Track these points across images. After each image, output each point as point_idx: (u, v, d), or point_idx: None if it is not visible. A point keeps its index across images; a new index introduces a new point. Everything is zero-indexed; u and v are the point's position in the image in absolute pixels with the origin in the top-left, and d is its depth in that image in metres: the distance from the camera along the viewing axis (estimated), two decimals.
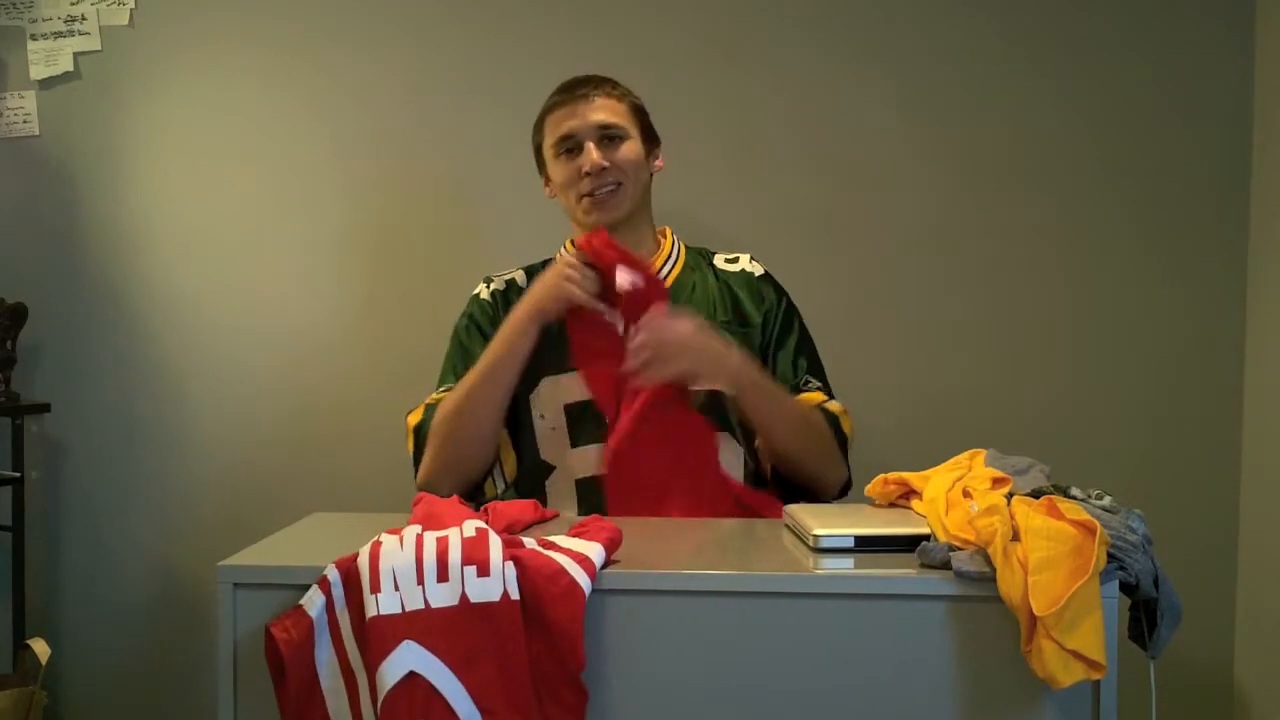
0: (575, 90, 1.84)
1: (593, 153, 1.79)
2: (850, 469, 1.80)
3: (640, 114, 1.88)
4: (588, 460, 1.73)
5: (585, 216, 1.81)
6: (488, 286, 1.90)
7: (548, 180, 1.90)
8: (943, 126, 2.40)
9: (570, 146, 1.81)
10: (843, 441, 1.78)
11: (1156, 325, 2.38)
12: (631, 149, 1.82)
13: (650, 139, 1.89)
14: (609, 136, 1.81)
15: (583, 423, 1.74)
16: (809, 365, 1.84)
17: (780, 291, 1.89)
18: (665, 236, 1.92)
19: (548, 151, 1.86)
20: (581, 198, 1.80)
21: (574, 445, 1.75)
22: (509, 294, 1.86)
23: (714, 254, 1.93)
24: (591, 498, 1.71)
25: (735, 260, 1.91)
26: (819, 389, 1.81)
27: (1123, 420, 2.38)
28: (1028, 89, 2.39)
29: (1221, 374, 2.37)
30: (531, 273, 1.88)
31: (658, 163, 1.90)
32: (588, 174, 1.78)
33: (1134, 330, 2.38)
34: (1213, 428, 2.37)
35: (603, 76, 1.87)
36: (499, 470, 1.82)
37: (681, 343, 1.65)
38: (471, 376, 1.73)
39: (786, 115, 2.42)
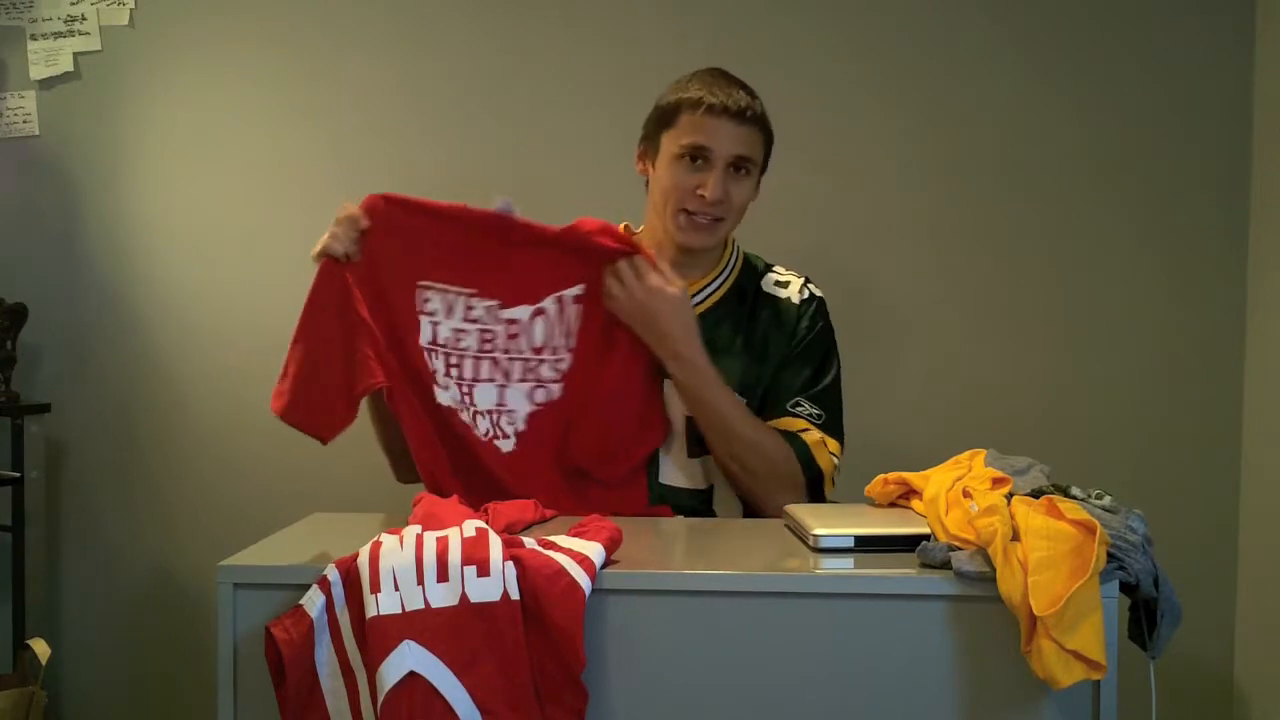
0: (732, 105, 1.69)
1: (720, 184, 1.70)
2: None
3: (769, 148, 1.78)
4: None
5: (677, 232, 1.74)
6: None
7: (644, 155, 1.80)
8: (942, 126, 2.40)
9: (701, 161, 1.71)
10: (817, 476, 1.69)
11: (1157, 325, 2.38)
12: (750, 188, 1.75)
13: (765, 169, 1.79)
14: (739, 169, 1.72)
15: None
16: (811, 393, 1.75)
17: (817, 319, 1.80)
18: (726, 250, 1.83)
19: (671, 142, 1.73)
20: (680, 212, 1.73)
21: None
22: None
23: (770, 269, 1.85)
24: None
25: (785, 285, 1.82)
26: (811, 419, 1.73)
27: (1123, 420, 2.38)
28: (1028, 89, 2.39)
29: (1221, 374, 2.37)
30: None
31: (757, 193, 1.80)
32: (702, 196, 1.70)
33: (1134, 330, 2.39)
34: (1213, 428, 2.37)
35: (753, 92, 1.75)
36: None
37: (657, 295, 1.63)
38: None
39: (787, 115, 2.40)
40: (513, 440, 1.64)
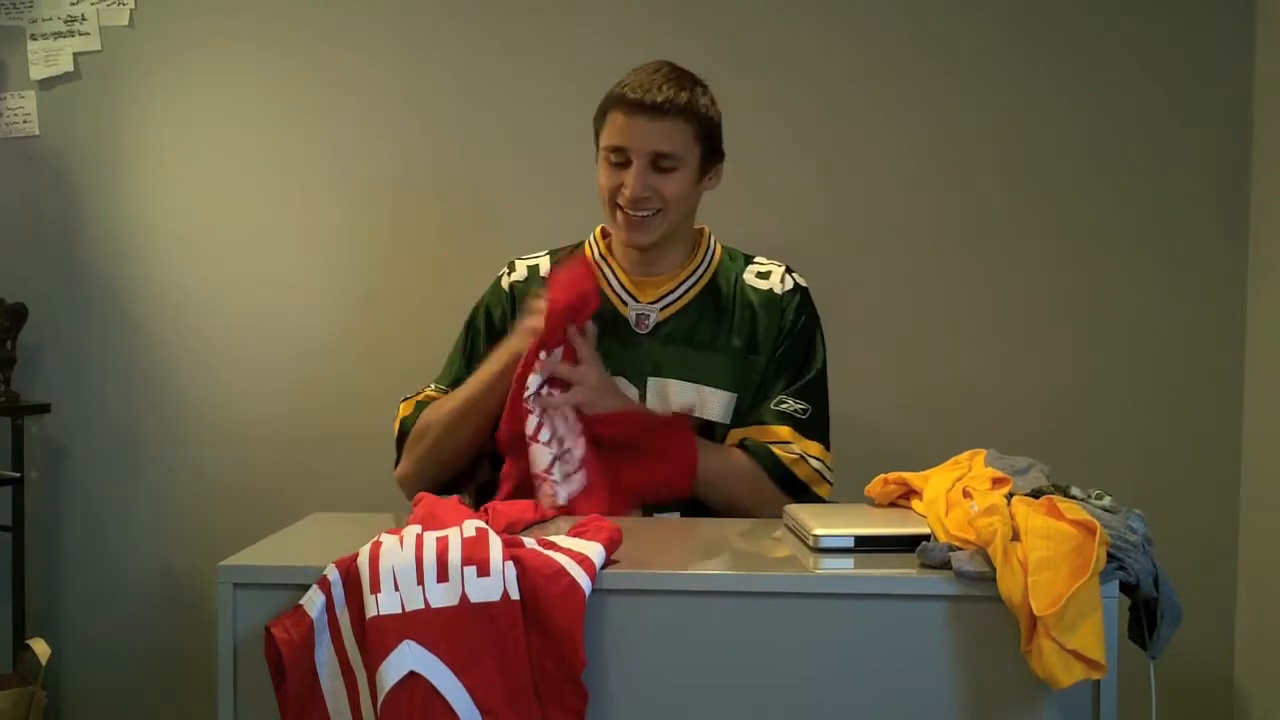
0: (647, 100, 1.68)
1: (639, 182, 1.69)
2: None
3: (708, 136, 1.74)
4: None
5: (617, 231, 1.76)
6: (509, 274, 1.85)
7: (596, 155, 1.79)
8: (943, 126, 2.41)
9: (620, 160, 1.71)
10: (794, 487, 1.69)
11: (1157, 325, 2.38)
12: (680, 180, 1.71)
13: (712, 157, 1.77)
14: (662, 168, 1.70)
15: None
16: (798, 386, 1.74)
17: (803, 309, 1.79)
18: (700, 244, 1.83)
19: (601, 144, 1.74)
20: (616, 210, 1.73)
21: None
22: (529, 283, 1.81)
23: (750, 262, 1.83)
24: None
25: (766, 275, 1.81)
26: (796, 414, 1.72)
27: (1123, 420, 2.39)
28: (1029, 89, 2.39)
29: (1221, 374, 2.37)
30: (556, 258, 1.84)
31: (713, 180, 1.80)
32: (624, 194, 1.70)
33: (1134, 330, 2.39)
34: (1213, 427, 2.37)
35: (686, 80, 1.73)
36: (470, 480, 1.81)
37: (597, 387, 1.64)
38: (454, 403, 1.72)
39: (788, 114, 2.42)
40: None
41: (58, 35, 2.55)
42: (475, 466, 1.79)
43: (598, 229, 1.87)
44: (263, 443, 2.52)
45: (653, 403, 1.72)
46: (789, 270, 1.83)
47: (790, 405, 1.73)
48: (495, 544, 1.19)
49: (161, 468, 2.55)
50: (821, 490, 1.71)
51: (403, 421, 1.78)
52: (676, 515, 1.69)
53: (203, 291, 2.54)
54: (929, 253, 2.42)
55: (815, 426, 1.74)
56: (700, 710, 1.19)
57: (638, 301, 1.77)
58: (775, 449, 1.69)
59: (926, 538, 1.25)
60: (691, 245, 1.83)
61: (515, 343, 1.66)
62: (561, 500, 1.57)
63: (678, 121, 1.69)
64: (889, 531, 1.31)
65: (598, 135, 1.76)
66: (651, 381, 1.73)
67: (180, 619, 2.53)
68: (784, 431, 1.71)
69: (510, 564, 1.17)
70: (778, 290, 1.80)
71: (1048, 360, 2.40)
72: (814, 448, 1.72)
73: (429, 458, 1.74)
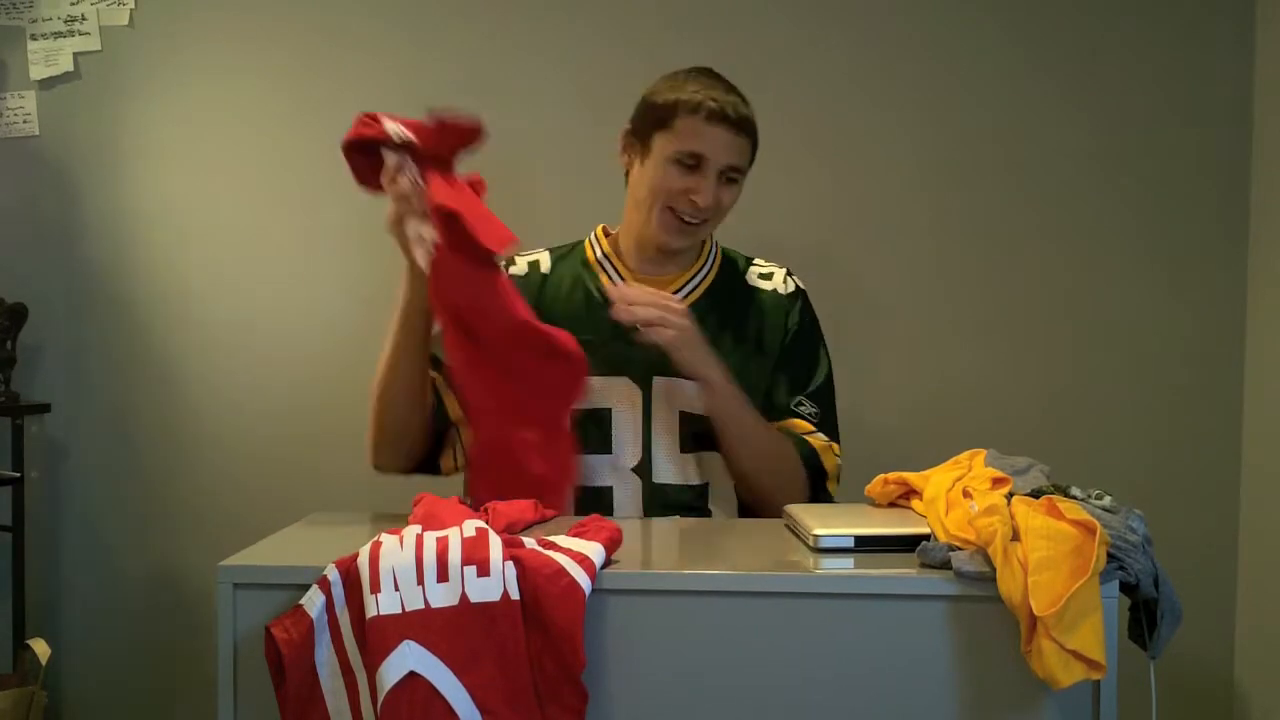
0: (731, 113, 1.69)
1: (710, 192, 1.70)
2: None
3: (755, 151, 1.78)
4: (590, 469, 1.70)
5: (660, 231, 1.74)
6: (508, 268, 1.81)
7: (630, 148, 1.78)
8: (943, 126, 2.41)
9: (692, 164, 1.70)
10: (820, 476, 1.72)
11: (1157, 325, 2.38)
12: (737, 192, 1.76)
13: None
14: (729, 179, 1.73)
15: (585, 430, 1.67)
16: (809, 391, 1.78)
17: (805, 313, 1.82)
18: (705, 245, 1.84)
19: (665, 144, 1.71)
20: (666, 211, 1.72)
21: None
22: (528, 279, 1.80)
23: (751, 263, 1.86)
24: (590, 508, 1.60)
25: (769, 276, 1.84)
26: (810, 418, 1.75)
27: (1123, 420, 2.38)
28: (1029, 89, 2.39)
29: (1222, 374, 2.37)
30: (556, 255, 1.84)
31: None
32: (693, 201, 1.70)
33: (1134, 330, 2.39)
34: (1213, 427, 2.37)
35: (744, 97, 1.75)
36: (459, 446, 1.75)
37: (686, 325, 1.64)
38: (384, 354, 1.66)
39: (788, 114, 2.41)
40: None
41: (58, 35, 2.55)
42: (430, 448, 1.74)
43: (599, 228, 1.87)
44: (263, 442, 2.52)
45: (659, 402, 1.72)
46: (790, 273, 1.86)
47: (806, 408, 1.77)
48: (495, 544, 1.19)
49: (161, 467, 2.55)
50: (832, 487, 1.74)
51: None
52: (677, 516, 1.70)
53: (203, 291, 2.54)
54: (929, 253, 2.42)
55: (828, 429, 1.77)
56: (700, 710, 1.19)
57: None
58: (805, 436, 1.73)
59: (926, 538, 1.25)
60: (697, 247, 1.84)
61: (406, 293, 1.60)
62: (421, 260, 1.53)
63: (748, 137, 1.74)
64: (889, 531, 1.31)
65: (650, 135, 1.73)
66: (658, 381, 1.72)
67: (180, 619, 2.53)
68: (805, 425, 1.75)
69: (510, 564, 1.17)
70: (782, 291, 1.82)
71: (1048, 360, 2.40)
72: (835, 446, 1.77)
73: (383, 420, 1.69)
